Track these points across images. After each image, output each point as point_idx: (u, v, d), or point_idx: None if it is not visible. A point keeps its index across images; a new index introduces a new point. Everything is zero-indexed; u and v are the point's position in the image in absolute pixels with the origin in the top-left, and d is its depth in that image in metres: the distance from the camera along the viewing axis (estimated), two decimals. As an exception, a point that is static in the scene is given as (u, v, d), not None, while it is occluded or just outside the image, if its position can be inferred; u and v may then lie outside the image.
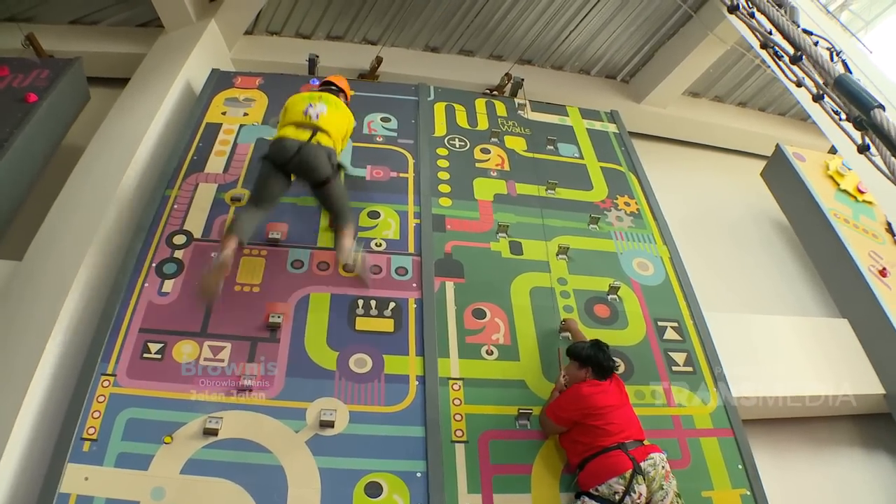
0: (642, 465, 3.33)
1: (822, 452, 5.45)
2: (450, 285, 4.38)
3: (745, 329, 5.13)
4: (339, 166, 4.28)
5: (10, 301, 4.10)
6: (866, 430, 5.66)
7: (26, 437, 3.52)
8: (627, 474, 3.28)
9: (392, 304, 4.18)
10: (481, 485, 3.53)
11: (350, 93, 4.76)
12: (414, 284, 4.32)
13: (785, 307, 5.91)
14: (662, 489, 3.31)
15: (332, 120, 4.22)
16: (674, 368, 4.25)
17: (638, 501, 3.26)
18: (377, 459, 3.51)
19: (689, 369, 4.28)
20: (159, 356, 3.77)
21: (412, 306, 4.19)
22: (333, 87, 4.64)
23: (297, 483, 3.38)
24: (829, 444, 5.52)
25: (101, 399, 3.55)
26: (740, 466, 3.90)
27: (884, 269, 5.70)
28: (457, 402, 3.80)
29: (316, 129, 4.11)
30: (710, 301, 4.87)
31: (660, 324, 4.48)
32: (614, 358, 3.82)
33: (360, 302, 4.16)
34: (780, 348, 5.20)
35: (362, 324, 4.06)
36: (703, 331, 4.49)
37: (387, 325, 4.08)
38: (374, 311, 4.13)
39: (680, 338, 4.44)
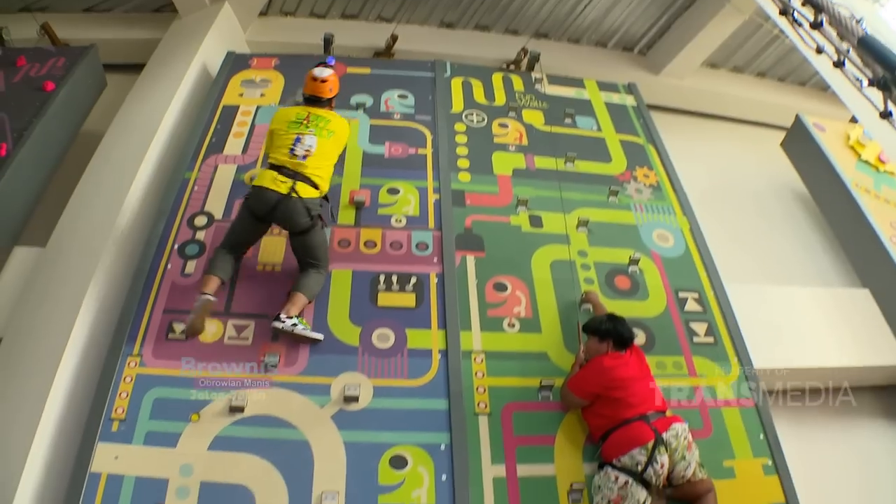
0: (664, 435, 3.34)
1: (843, 423, 5.43)
2: (470, 259, 4.39)
3: (766, 300, 5.09)
4: (319, 217, 3.97)
5: (36, 287, 4.16)
6: (888, 401, 5.62)
7: (56, 419, 3.58)
8: (650, 445, 3.29)
9: (413, 280, 4.20)
10: (505, 456, 3.55)
11: (336, 90, 4.35)
12: (435, 259, 4.34)
13: (806, 278, 5.86)
14: (685, 459, 3.33)
15: (322, 154, 3.99)
16: (695, 339, 4.24)
17: (660, 472, 3.27)
18: (401, 432, 3.55)
19: (711, 340, 4.26)
20: (184, 336, 3.81)
21: (433, 281, 4.21)
22: (323, 101, 4.24)
23: (323, 457, 3.42)
24: (850, 415, 5.49)
25: (128, 380, 3.61)
26: (762, 436, 3.88)
27: (905, 238, 5.64)
28: (479, 374, 3.82)
29: (297, 178, 3.87)
30: (731, 272, 4.84)
31: (681, 295, 4.46)
32: (632, 328, 3.83)
33: (382, 278, 4.19)
34: (802, 319, 5.15)
35: (384, 299, 4.09)
36: (723, 302, 4.47)
37: (409, 300, 4.11)
38: (395, 287, 4.15)
39: (701, 309, 4.42)
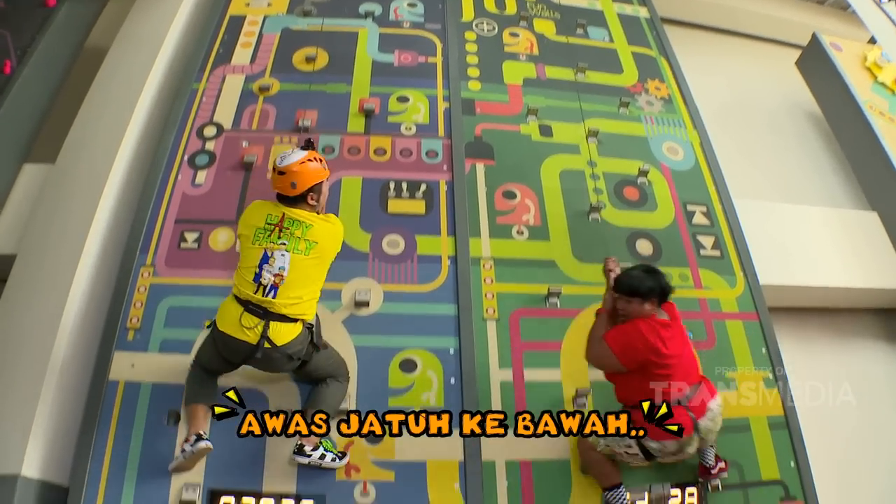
0: (701, 421, 3.07)
1: (845, 343, 5.49)
2: (480, 167, 4.39)
3: (775, 217, 5.10)
4: (312, 345, 3.14)
5: (47, 203, 4.17)
6: (890, 325, 5.68)
7: (73, 331, 3.63)
8: (685, 439, 3.05)
9: (423, 187, 4.21)
10: (512, 360, 3.64)
11: (325, 174, 3.12)
12: (444, 167, 4.33)
13: (815, 197, 5.84)
14: (711, 439, 3.19)
15: (299, 277, 3.00)
16: (702, 252, 4.27)
17: (679, 456, 3.15)
18: (411, 337, 3.63)
19: (717, 254, 4.29)
20: (196, 245, 3.86)
21: (443, 188, 4.21)
22: (294, 199, 3.05)
23: None
24: (852, 336, 5.56)
25: (141, 290, 3.68)
26: (764, 350, 3.95)
27: (918, 164, 5.59)
28: (488, 280, 3.87)
29: (270, 317, 2.96)
30: (740, 188, 4.82)
31: (689, 208, 4.46)
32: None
33: (392, 185, 4.19)
34: (809, 238, 5.17)
35: (394, 206, 4.11)
36: (731, 216, 4.47)
37: (418, 206, 4.12)
38: (405, 194, 4.17)
39: (708, 222, 4.43)
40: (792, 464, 3.71)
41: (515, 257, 4.00)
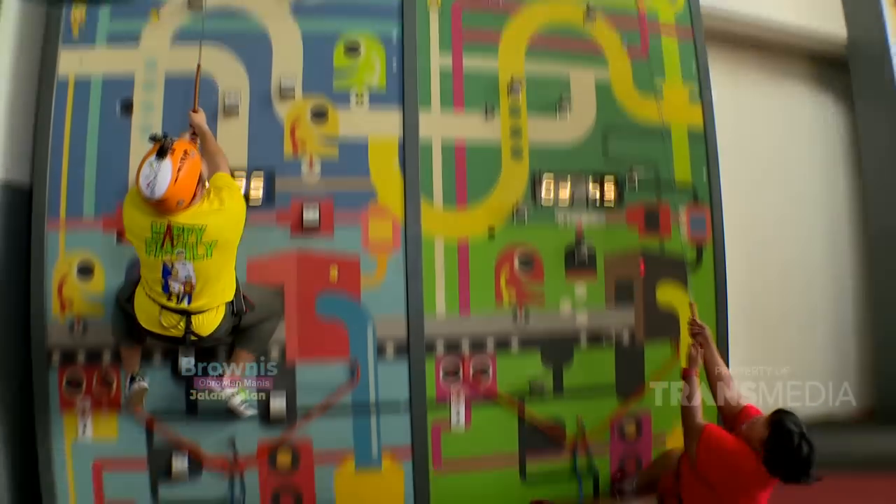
0: None
1: (774, 83, 5.77)
2: None
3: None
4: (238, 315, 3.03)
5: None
6: (821, 73, 5.95)
7: (15, 31, 3.56)
8: None
9: None
10: (452, 48, 3.78)
11: (199, 165, 2.71)
12: None
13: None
14: None
15: (208, 279, 2.79)
16: (646, -35, 4.28)
17: None
18: (356, 21, 3.68)
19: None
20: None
21: None
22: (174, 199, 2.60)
23: (281, 45, 3.59)
24: (782, 77, 5.83)
25: (83, -16, 3.57)
26: (694, 68, 4.16)
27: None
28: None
29: (189, 313, 2.84)
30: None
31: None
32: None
33: None
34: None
35: None
36: (680, -68, 4.43)
37: None
38: None
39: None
40: (704, 172, 4.06)
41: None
